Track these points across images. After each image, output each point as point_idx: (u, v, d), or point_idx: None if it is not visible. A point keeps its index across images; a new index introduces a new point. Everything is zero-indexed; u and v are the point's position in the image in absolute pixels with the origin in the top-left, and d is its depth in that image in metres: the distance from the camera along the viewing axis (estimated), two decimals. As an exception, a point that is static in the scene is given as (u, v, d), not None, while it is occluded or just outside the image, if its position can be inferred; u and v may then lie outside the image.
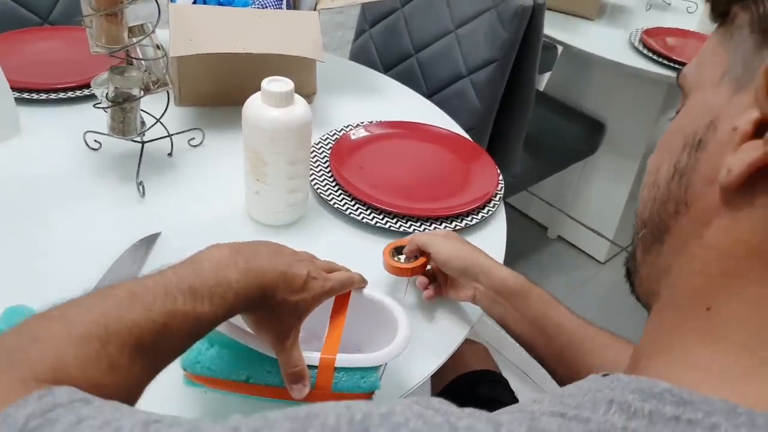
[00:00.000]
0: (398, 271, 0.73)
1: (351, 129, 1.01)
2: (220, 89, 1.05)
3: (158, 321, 0.42)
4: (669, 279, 0.36)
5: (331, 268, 0.60)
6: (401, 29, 1.43)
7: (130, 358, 0.40)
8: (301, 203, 0.84)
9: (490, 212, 0.89)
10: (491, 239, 0.87)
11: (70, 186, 0.86)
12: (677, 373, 0.32)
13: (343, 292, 0.59)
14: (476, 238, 0.86)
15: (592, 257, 2.05)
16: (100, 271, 0.72)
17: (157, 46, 0.82)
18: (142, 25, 0.80)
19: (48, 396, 0.32)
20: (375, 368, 0.57)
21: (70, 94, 1.01)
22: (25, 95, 0.98)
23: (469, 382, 0.90)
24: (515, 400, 0.90)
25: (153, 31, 0.79)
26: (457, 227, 0.86)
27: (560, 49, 1.91)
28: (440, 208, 0.87)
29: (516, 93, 1.39)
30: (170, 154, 0.92)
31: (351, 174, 0.91)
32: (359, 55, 1.52)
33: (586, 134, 1.89)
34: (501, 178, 0.94)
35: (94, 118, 0.89)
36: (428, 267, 0.74)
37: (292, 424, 0.29)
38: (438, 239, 0.71)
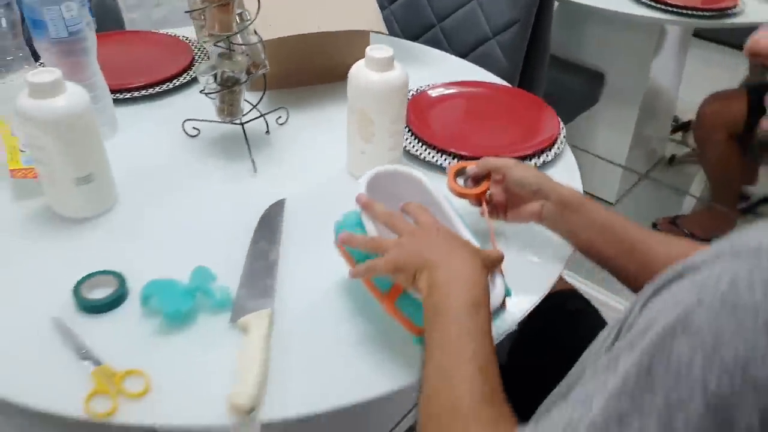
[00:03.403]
0: (464, 195, 0.79)
1: (428, 88, 1.11)
2: (283, 71, 1.13)
3: None
4: None
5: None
6: (422, 2, 1.52)
7: None
8: (399, 159, 0.93)
9: (560, 149, 0.99)
10: (565, 173, 0.98)
11: (186, 170, 0.94)
12: None
13: None
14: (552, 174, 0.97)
15: (603, 199, 2.19)
16: (245, 232, 0.81)
17: (254, 32, 0.90)
18: (240, 13, 0.87)
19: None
20: None
21: (150, 90, 1.08)
22: (117, 96, 1.05)
23: (557, 300, 1.00)
24: (598, 312, 1.01)
25: (255, 18, 0.87)
26: (536, 164, 0.96)
27: (556, 3, 2.02)
28: (516, 148, 0.97)
29: (533, 51, 1.50)
30: (267, 132, 1.00)
31: (429, 130, 1.01)
32: (380, 32, 1.61)
33: (587, 86, 2.02)
34: (562, 124, 1.05)
35: (181, 109, 0.98)
36: (488, 192, 0.78)
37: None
38: (510, 162, 0.78)
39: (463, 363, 0.53)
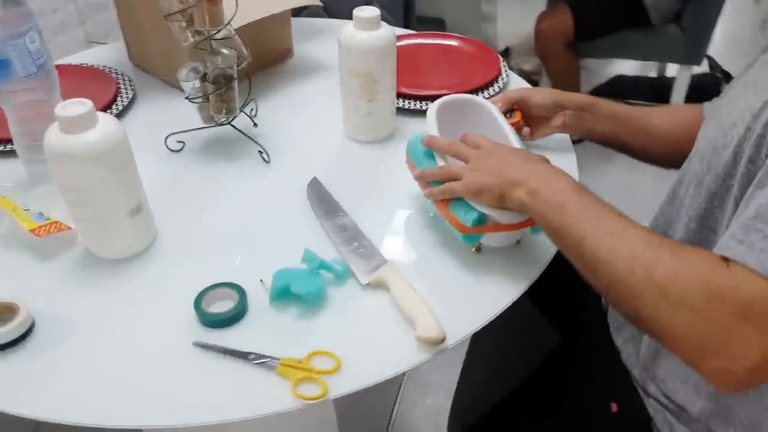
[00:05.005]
0: None
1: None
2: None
3: None
4: None
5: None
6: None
7: None
8: (394, 113, 0.98)
9: (507, 73, 1.12)
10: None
11: (194, 181, 0.90)
12: None
13: None
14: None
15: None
16: (295, 214, 0.82)
17: (229, 24, 0.88)
18: (213, 9, 0.85)
19: None
20: None
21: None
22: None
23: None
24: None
25: (237, 11, 0.85)
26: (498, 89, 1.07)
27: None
28: (481, 79, 1.07)
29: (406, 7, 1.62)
30: (255, 125, 0.99)
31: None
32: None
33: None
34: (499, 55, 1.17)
35: (140, 130, 0.97)
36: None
37: None
38: (527, 90, 0.89)
39: (616, 219, 0.60)
